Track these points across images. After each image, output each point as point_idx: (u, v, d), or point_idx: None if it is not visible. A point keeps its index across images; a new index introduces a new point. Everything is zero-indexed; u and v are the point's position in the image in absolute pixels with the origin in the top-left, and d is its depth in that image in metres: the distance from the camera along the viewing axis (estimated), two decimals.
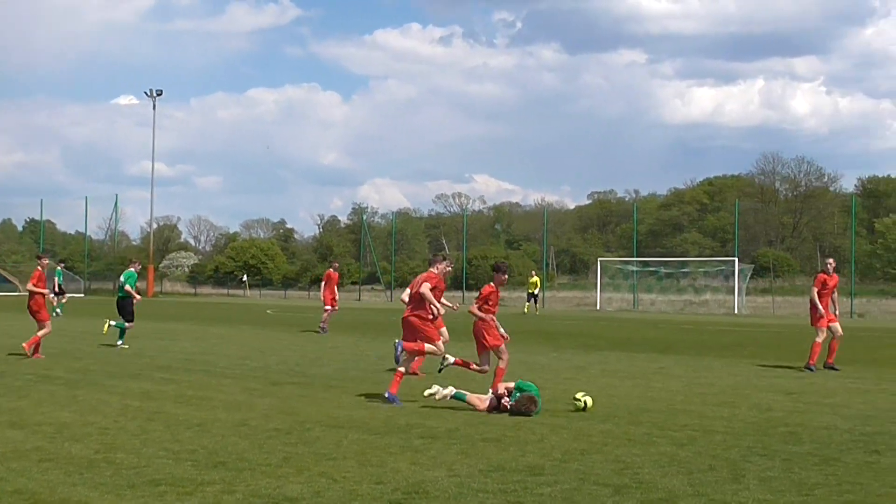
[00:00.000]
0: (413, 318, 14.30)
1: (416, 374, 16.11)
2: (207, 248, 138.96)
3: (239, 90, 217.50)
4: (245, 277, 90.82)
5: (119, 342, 22.81)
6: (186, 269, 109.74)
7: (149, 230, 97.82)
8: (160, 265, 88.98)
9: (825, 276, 20.15)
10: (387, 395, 13.70)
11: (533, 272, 53.76)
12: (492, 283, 14.50)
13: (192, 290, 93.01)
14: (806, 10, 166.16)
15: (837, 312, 20.48)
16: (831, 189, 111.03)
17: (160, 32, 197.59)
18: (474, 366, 14.53)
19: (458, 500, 7.88)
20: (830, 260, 20.79)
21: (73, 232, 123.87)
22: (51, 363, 18.88)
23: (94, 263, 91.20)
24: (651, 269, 67.25)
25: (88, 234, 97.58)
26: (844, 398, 14.81)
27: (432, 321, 14.45)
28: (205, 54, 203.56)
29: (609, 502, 7.88)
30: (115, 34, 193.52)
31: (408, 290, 14.89)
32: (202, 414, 12.36)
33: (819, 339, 19.66)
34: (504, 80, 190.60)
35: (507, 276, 14.83)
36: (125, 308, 23.67)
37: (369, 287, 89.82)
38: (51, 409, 12.66)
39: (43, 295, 20.64)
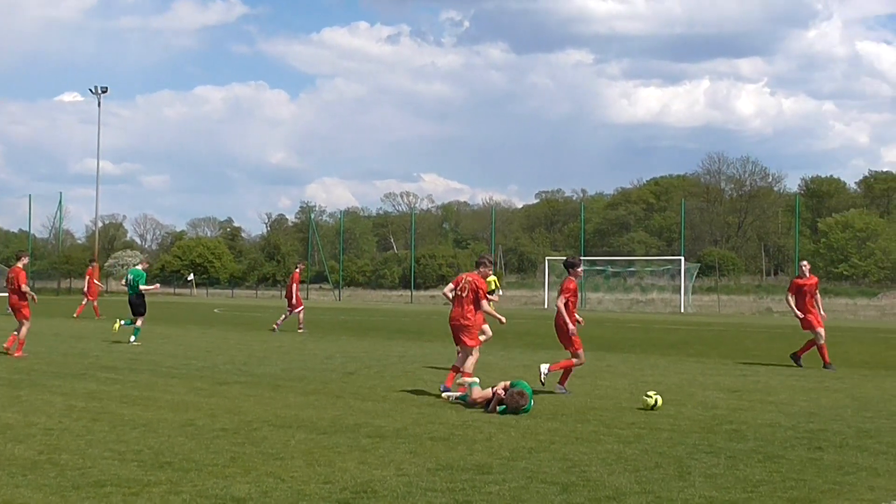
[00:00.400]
0: (461, 323, 14.59)
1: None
2: (154, 247, 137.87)
3: (185, 88, 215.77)
4: (191, 276, 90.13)
5: (132, 339, 23.94)
6: None
7: (94, 229, 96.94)
8: (105, 264, 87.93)
9: (799, 280, 20.25)
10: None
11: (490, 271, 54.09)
12: (572, 279, 15.10)
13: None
14: (749, 12, 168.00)
15: (822, 314, 20.33)
16: (775, 189, 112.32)
17: (105, 29, 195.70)
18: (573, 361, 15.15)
19: (407, 500, 7.87)
20: (804, 263, 20.86)
21: (16, 230, 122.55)
22: None
23: (37, 262, 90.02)
24: (598, 268, 67.63)
25: (32, 232, 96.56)
26: (788, 396, 14.99)
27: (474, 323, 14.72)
28: (151, 52, 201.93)
29: (557, 500, 7.90)
30: (58, 31, 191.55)
31: (451, 286, 14.81)
32: (148, 414, 12.25)
33: (821, 341, 19.77)
34: (452, 79, 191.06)
35: (582, 270, 15.79)
36: (138, 304, 24.97)
37: (317, 286, 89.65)
38: None
39: (26, 294, 20.65)
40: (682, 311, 54.17)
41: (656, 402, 13.09)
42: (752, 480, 8.71)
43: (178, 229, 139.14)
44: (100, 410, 12.54)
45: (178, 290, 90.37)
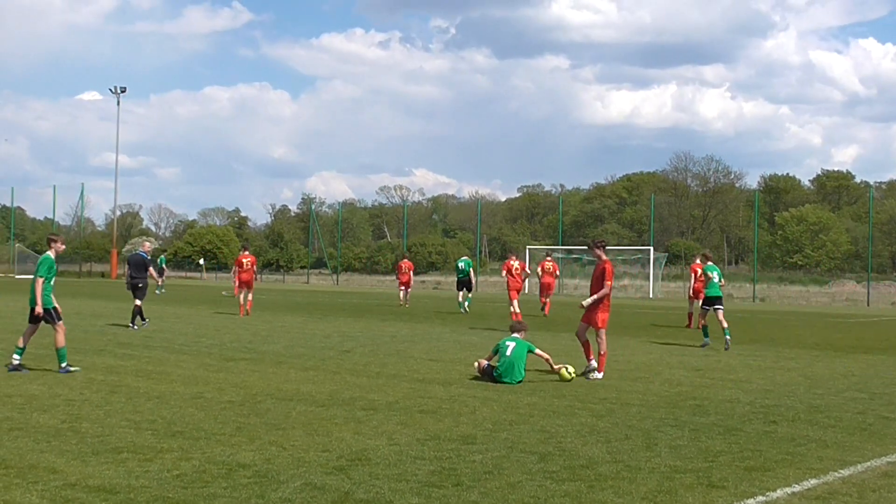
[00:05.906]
0: None
1: None
2: (167, 234, 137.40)
3: (196, 88, 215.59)
4: (202, 261, 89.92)
5: (465, 306, 31.01)
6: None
7: (113, 217, 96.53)
8: (123, 249, 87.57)
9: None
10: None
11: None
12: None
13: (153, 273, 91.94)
14: (713, 23, 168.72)
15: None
16: (736, 185, 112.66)
17: (122, 34, 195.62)
18: None
19: (398, 467, 7.88)
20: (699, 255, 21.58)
21: (41, 218, 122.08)
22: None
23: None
24: (575, 256, 67.58)
25: (56, 220, 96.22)
26: (746, 374, 15.03)
27: None
28: (164, 54, 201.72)
29: (535, 469, 7.92)
30: (79, 35, 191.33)
31: None
32: (161, 387, 12.24)
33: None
34: (440, 81, 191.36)
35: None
36: (468, 284, 31.21)
37: (317, 271, 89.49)
38: (20, 382, 12.46)
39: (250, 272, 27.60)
40: (651, 296, 54.21)
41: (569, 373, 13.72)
42: (712, 451, 8.74)
43: (189, 218, 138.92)
44: (117, 383, 12.52)
45: (189, 274, 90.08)
